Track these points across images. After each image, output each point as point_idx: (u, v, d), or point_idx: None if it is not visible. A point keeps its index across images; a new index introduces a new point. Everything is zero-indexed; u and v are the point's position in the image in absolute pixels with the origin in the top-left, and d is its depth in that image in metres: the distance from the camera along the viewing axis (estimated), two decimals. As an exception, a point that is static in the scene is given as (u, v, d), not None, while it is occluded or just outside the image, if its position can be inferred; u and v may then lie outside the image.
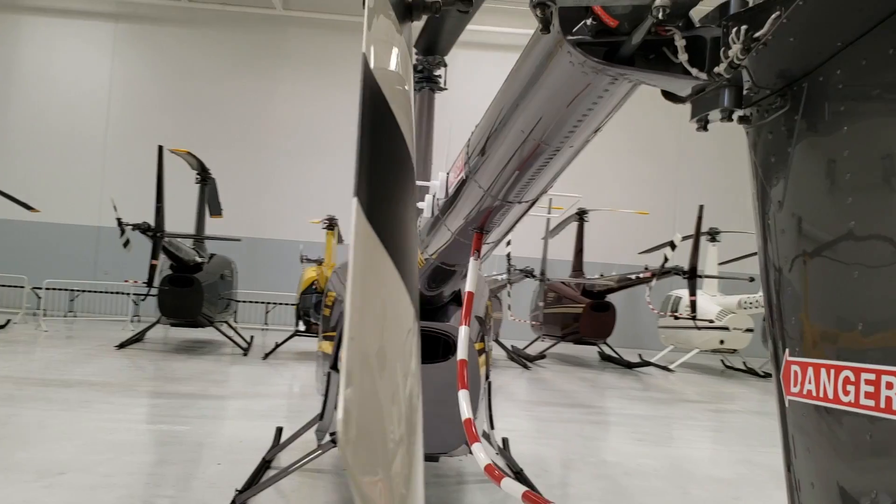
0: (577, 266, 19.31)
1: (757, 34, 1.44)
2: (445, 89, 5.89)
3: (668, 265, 16.08)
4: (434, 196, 3.59)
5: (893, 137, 1.28)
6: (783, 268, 1.54)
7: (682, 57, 1.63)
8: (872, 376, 1.28)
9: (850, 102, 1.37)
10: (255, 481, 5.51)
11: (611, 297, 17.54)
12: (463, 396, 2.56)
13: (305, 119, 24.98)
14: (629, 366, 17.34)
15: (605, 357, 18.68)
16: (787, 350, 1.48)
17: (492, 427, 6.20)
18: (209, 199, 17.05)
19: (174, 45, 25.45)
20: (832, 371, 1.35)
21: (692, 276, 15.69)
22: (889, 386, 1.25)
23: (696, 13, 1.67)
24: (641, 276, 16.70)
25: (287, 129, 25.01)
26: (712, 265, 18.53)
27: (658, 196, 25.06)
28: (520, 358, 16.91)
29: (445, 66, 5.82)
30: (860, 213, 1.33)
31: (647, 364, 17.67)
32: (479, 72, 21.63)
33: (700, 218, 15.63)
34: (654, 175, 25.53)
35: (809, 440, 1.43)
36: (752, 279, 17.05)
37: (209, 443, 7.09)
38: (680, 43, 1.62)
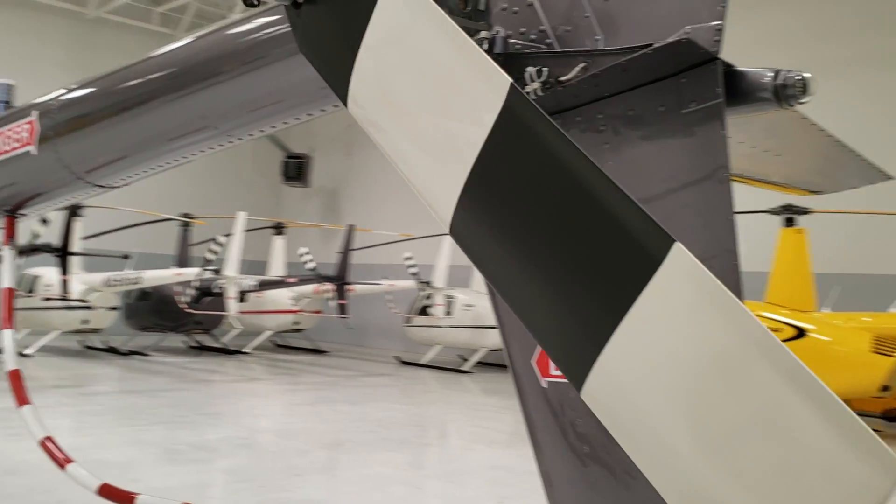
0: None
1: (563, 78, 1.62)
2: None
3: (38, 241, 14.55)
4: None
5: (649, 169, 1.67)
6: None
7: None
8: None
9: (610, 139, 1.70)
10: None
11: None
12: (29, 413, 2.01)
13: None
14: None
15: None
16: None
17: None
18: None
19: None
20: None
21: (65, 253, 14.58)
22: None
23: None
24: (2, 253, 14.85)
25: None
26: (76, 241, 17.38)
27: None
28: None
29: None
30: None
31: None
32: None
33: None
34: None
35: (570, 409, 1.79)
36: (126, 256, 16.40)
37: None
38: None
